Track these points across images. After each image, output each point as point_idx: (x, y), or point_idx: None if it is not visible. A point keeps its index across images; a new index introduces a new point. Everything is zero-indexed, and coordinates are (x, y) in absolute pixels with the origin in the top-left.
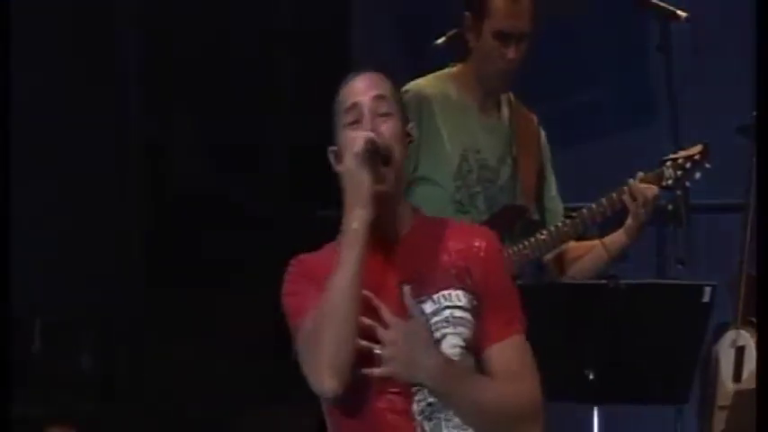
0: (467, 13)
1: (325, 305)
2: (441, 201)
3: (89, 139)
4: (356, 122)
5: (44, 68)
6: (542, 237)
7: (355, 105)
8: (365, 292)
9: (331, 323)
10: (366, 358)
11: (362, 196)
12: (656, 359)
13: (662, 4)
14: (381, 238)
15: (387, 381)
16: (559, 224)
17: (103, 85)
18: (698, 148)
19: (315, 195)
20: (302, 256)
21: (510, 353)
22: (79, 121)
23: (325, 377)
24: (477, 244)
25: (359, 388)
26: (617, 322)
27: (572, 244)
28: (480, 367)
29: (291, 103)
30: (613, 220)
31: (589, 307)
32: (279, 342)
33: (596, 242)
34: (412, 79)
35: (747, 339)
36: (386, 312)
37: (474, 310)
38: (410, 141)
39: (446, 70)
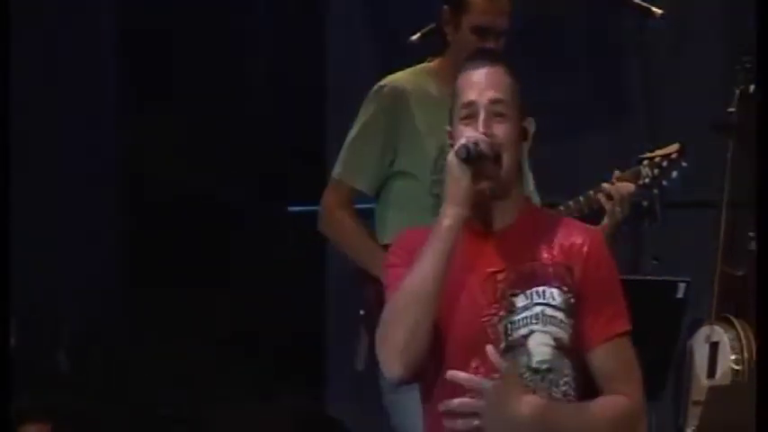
0: (445, 7)
1: (406, 294)
2: (418, 194)
3: (65, 139)
4: (470, 118)
5: (21, 68)
6: None
7: (471, 104)
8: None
9: (407, 314)
10: (450, 351)
11: (460, 195)
12: None
13: (637, 1)
14: (479, 227)
15: (473, 368)
16: None
17: (82, 85)
18: (675, 147)
19: (287, 192)
20: (408, 230)
21: (612, 356)
22: (56, 122)
23: (394, 363)
24: (580, 241)
25: (441, 381)
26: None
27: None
28: (580, 367)
29: (266, 102)
30: (591, 217)
31: None
32: (252, 340)
33: None
34: (388, 74)
35: (721, 335)
36: (474, 381)
37: (569, 310)
38: (525, 138)
39: (423, 65)
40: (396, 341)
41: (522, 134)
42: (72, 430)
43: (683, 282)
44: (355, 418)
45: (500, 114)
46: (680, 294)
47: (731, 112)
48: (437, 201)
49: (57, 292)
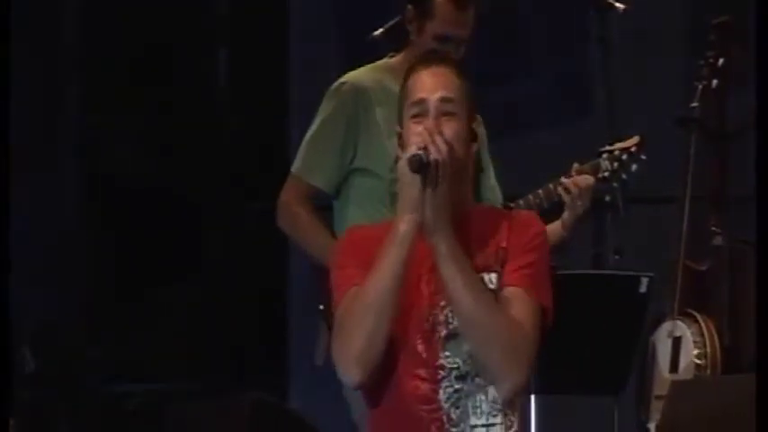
0: (409, 7)
1: (363, 300)
2: (378, 192)
3: (27, 134)
4: (420, 116)
5: None
6: None
7: (422, 101)
8: None
9: (365, 319)
10: (394, 344)
11: (413, 201)
12: (594, 350)
13: None
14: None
15: (415, 366)
16: None
17: (42, 79)
18: (634, 140)
19: (250, 188)
20: (355, 228)
21: (518, 300)
22: (17, 115)
23: (351, 368)
24: (511, 221)
25: (390, 374)
26: (554, 312)
27: None
28: None
29: (226, 97)
30: (552, 210)
31: None
32: (215, 334)
33: None
34: (350, 71)
35: (684, 330)
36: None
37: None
38: (473, 139)
39: (383, 61)
40: (354, 348)
41: (471, 135)
42: (35, 426)
43: (645, 277)
44: (317, 412)
45: (450, 113)
46: (643, 289)
47: (694, 107)
48: (395, 198)
49: (20, 287)
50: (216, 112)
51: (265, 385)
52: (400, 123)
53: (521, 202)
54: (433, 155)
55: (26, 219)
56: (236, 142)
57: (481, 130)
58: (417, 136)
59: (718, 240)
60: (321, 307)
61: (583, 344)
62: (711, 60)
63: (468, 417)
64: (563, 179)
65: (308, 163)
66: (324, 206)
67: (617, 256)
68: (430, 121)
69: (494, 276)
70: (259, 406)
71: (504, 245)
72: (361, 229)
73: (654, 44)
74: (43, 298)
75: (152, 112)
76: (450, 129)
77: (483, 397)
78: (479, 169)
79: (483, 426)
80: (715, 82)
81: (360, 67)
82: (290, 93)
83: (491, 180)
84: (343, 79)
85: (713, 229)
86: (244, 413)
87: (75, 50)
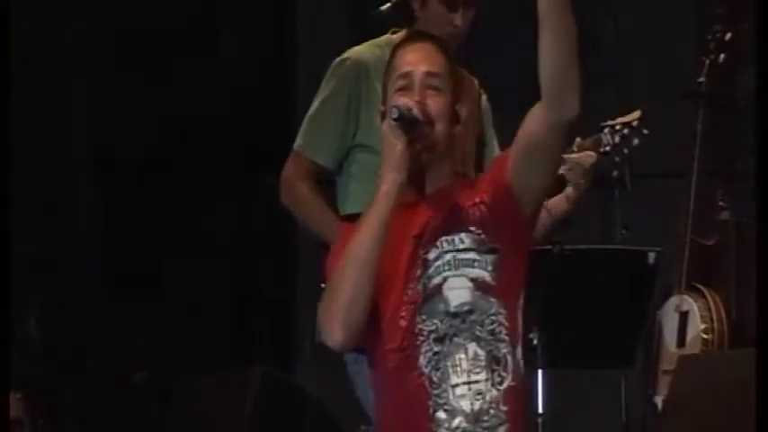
0: None
1: (345, 262)
2: (378, 168)
3: (33, 112)
4: (405, 89)
5: None
6: None
7: (407, 75)
8: None
9: (348, 280)
10: (381, 318)
11: (396, 159)
12: (601, 324)
13: None
14: (411, 197)
15: (399, 338)
16: None
17: (47, 56)
18: (636, 114)
19: (258, 162)
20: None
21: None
22: (23, 92)
23: (335, 330)
24: (480, 178)
25: (377, 348)
26: (562, 287)
27: None
28: (511, 305)
29: (235, 74)
30: (555, 185)
31: (534, 272)
32: (223, 310)
33: None
34: (354, 46)
35: (691, 304)
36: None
37: (483, 246)
38: (456, 121)
39: (386, 37)
40: (336, 307)
41: (455, 117)
42: (43, 400)
43: (653, 251)
44: (322, 388)
45: (435, 88)
46: (650, 264)
47: (701, 82)
48: None
49: (27, 261)
50: (225, 89)
51: (272, 361)
52: (383, 101)
53: None
54: (418, 114)
55: (32, 194)
56: (245, 115)
57: (485, 104)
58: (402, 97)
59: (725, 215)
60: (323, 285)
61: (590, 318)
62: (719, 35)
63: (448, 377)
64: (565, 155)
65: (310, 140)
66: (327, 181)
67: (624, 231)
68: (415, 93)
69: (462, 236)
70: (266, 380)
71: (471, 202)
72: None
73: (661, 18)
74: (49, 272)
75: (161, 89)
76: (435, 103)
77: (462, 356)
78: (482, 144)
79: (465, 383)
80: (722, 56)
81: (365, 41)
82: (297, 65)
83: (494, 154)
84: (345, 55)
85: (720, 203)
86: (251, 387)
87: (81, 24)
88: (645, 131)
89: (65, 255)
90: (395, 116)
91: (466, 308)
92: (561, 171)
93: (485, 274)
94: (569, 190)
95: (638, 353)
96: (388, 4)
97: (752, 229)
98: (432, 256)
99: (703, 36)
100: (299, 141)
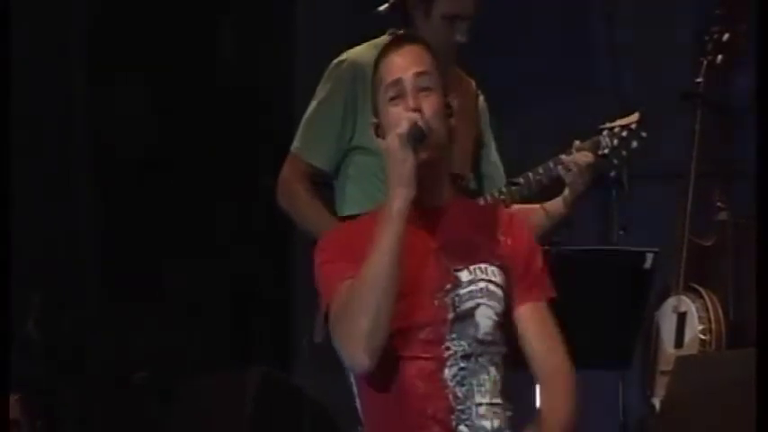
0: None
1: (364, 281)
2: (376, 170)
3: (33, 112)
4: (398, 98)
5: None
6: None
7: (398, 82)
8: None
9: (370, 305)
10: (397, 326)
11: (406, 176)
12: (599, 325)
13: None
14: (424, 204)
15: (419, 347)
16: (495, 192)
17: (47, 54)
18: (634, 116)
19: (258, 165)
20: (340, 225)
21: (540, 315)
22: (23, 91)
23: (358, 352)
24: (512, 226)
25: (390, 357)
26: (560, 288)
27: (514, 209)
28: (507, 339)
29: (234, 74)
30: (552, 188)
31: None
32: (221, 310)
33: (537, 207)
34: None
35: (689, 305)
36: None
37: (505, 287)
38: (450, 114)
39: (383, 38)
40: (360, 332)
41: (448, 110)
42: (41, 401)
43: (651, 252)
44: (321, 389)
45: (426, 88)
46: (648, 265)
47: (699, 83)
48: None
49: (27, 261)
50: (223, 89)
51: (271, 361)
52: (375, 113)
53: (521, 179)
54: (424, 126)
55: (31, 191)
56: (242, 118)
57: (483, 105)
58: (402, 117)
59: (723, 215)
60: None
61: (587, 319)
62: (716, 35)
63: (473, 395)
64: (563, 157)
65: (307, 142)
66: (325, 183)
67: (622, 232)
68: (409, 99)
69: (495, 270)
70: (265, 380)
71: (502, 242)
72: (346, 225)
73: (657, 19)
74: (49, 272)
75: (160, 88)
76: (429, 104)
77: (486, 377)
78: (480, 144)
79: (488, 404)
80: (720, 57)
81: (363, 42)
82: (295, 66)
83: (492, 155)
84: (342, 57)
85: (718, 204)
86: (250, 387)
87: (81, 23)
88: (643, 134)
89: (65, 255)
90: (418, 138)
91: (489, 338)
92: (559, 172)
93: (502, 312)
94: (567, 192)
95: (635, 354)
96: (386, 5)
97: (750, 229)
98: (464, 277)
99: (701, 37)
100: (295, 143)
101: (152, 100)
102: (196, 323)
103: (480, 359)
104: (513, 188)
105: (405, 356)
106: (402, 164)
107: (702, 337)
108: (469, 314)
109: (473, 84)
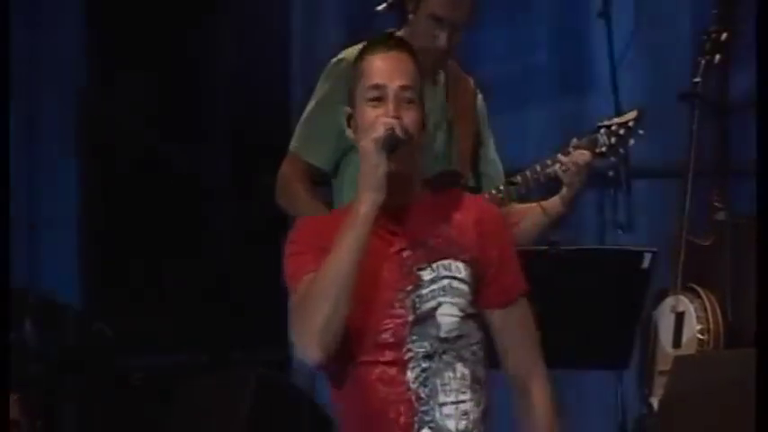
0: None
1: (322, 278)
2: None
3: (33, 112)
4: (378, 100)
5: None
6: None
7: (381, 87)
8: None
9: (326, 300)
10: (358, 330)
11: (377, 180)
12: (597, 324)
13: None
14: (390, 207)
15: (380, 351)
16: (493, 191)
17: (49, 55)
18: (632, 114)
19: (258, 163)
20: (308, 218)
21: (512, 319)
22: (23, 90)
23: (311, 347)
24: (475, 215)
25: (352, 362)
26: (558, 288)
27: (513, 208)
28: (484, 326)
29: (233, 72)
30: (550, 185)
31: (530, 273)
32: (219, 310)
33: (535, 205)
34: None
35: (687, 305)
36: None
37: (473, 282)
38: (423, 127)
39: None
40: (314, 327)
41: (424, 122)
42: (41, 401)
43: (648, 252)
44: (319, 389)
45: (409, 101)
46: (645, 264)
47: (697, 83)
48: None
49: (24, 259)
50: (224, 87)
51: (270, 361)
52: (351, 103)
53: (519, 177)
54: (401, 134)
55: (29, 190)
56: (242, 115)
57: (481, 104)
58: (379, 121)
59: (721, 215)
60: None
61: (586, 319)
62: (714, 35)
63: (436, 394)
64: (560, 156)
65: (306, 141)
66: (324, 182)
67: (620, 231)
68: (390, 107)
69: (460, 265)
70: (264, 380)
71: (464, 235)
72: (315, 219)
73: (656, 18)
74: (47, 271)
75: (159, 88)
76: (409, 117)
77: (451, 374)
78: (479, 143)
79: (452, 403)
80: (718, 57)
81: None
82: (291, 66)
83: (491, 154)
84: (340, 56)
85: (716, 203)
86: (249, 387)
87: (79, 21)
88: (641, 132)
89: (60, 253)
90: (391, 145)
91: (455, 333)
92: (556, 171)
93: (470, 305)
94: (564, 190)
95: (633, 353)
96: (384, 5)
97: (748, 229)
98: (426, 276)
99: (699, 36)
100: (294, 143)
101: (151, 100)
102: (196, 323)
103: (445, 357)
104: (511, 187)
105: (366, 361)
106: (374, 169)
107: (700, 336)
108: (430, 315)
109: (471, 82)
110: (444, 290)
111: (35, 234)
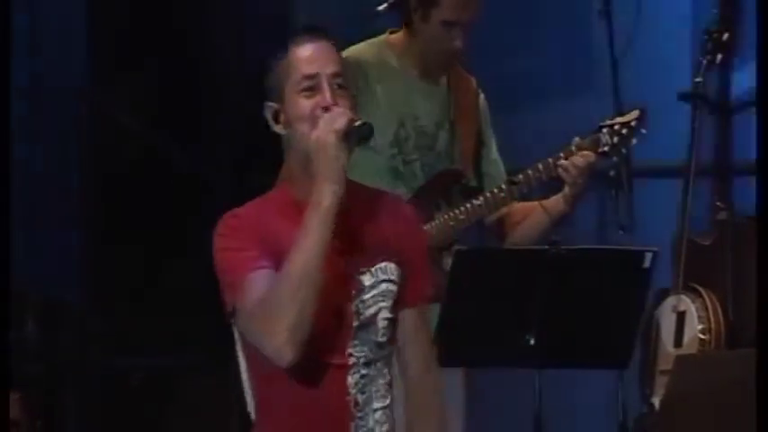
0: None
1: (291, 275)
2: (377, 168)
3: (32, 105)
4: (310, 91)
5: None
6: (477, 203)
7: (314, 76)
8: None
9: (294, 296)
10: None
11: (338, 172)
12: (598, 324)
13: None
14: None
15: (323, 354)
16: (495, 190)
17: (48, 49)
18: (634, 113)
19: (253, 162)
20: (237, 211)
21: (419, 321)
22: (22, 86)
23: (285, 346)
24: (402, 215)
25: (296, 364)
26: (558, 287)
27: (514, 207)
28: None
29: (232, 70)
30: (552, 184)
31: (531, 272)
32: (220, 309)
33: (536, 204)
34: (352, 45)
35: (688, 304)
36: None
37: (401, 285)
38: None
39: (383, 36)
40: (285, 326)
41: (355, 110)
42: (42, 400)
43: (650, 251)
44: None
45: (341, 87)
46: (646, 264)
47: (698, 82)
48: (396, 174)
49: (24, 259)
50: (222, 85)
51: None
52: (276, 99)
53: (520, 176)
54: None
55: (28, 190)
56: (241, 115)
57: (483, 103)
58: (335, 111)
59: (722, 215)
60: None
61: (586, 318)
62: (716, 35)
63: (371, 401)
64: (562, 155)
65: None
66: None
67: (621, 231)
68: (327, 94)
69: (393, 267)
70: None
71: (391, 235)
72: (243, 212)
73: (657, 18)
74: (47, 272)
75: (157, 85)
76: (344, 103)
77: (382, 381)
78: (480, 143)
79: (381, 408)
80: (719, 56)
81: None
82: None
83: (492, 153)
84: (343, 54)
85: (717, 203)
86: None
87: (80, 21)
88: (643, 131)
89: (64, 254)
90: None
91: (385, 338)
92: (558, 170)
93: (393, 307)
94: (566, 190)
95: (634, 353)
96: (385, 5)
97: (749, 228)
98: (367, 282)
99: (701, 36)
100: None
101: (151, 100)
102: (196, 323)
103: (378, 364)
104: (513, 186)
105: (314, 360)
106: (335, 160)
107: (702, 336)
108: (372, 321)
109: (474, 82)
110: (383, 294)
111: (35, 234)
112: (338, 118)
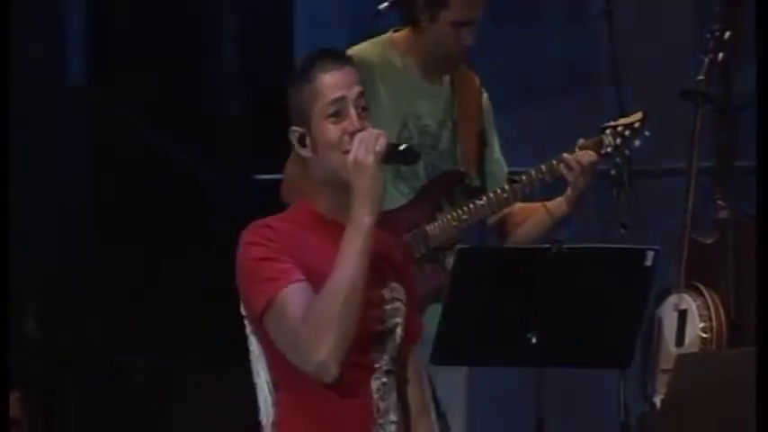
0: None
1: (337, 292)
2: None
3: (32, 103)
4: (338, 115)
5: None
6: (480, 203)
7: (341, 99)
8: None
9: (343, 314)
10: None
11: (378, 191)
12: (600, 323)
13: None
14: (334, 220)
15: (352, 354)
16: (498, 190)
17: (47, 49)
18: (638, 115)
19: (251, 160)
20: (270, 222)
21: (418, 361)
22: (23, 86)
23: (330, 363)
24: (399, 245)
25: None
26: (560, 286)
27: (516, 207)
28: None
29: (232, 69)
30: (555, 186)
31: (533, 271)
32: (221, 308)
33: (539, 205)
34: (354, 44)
35: (690, 303)
36: None
37: (407, 309)
38: None
39: (387, 35)
40: (333, 339)
41: None
42: (42, 399)
43: (651, 250)
44: None
45: (364, 109)
46: (648, 263)
47: (700, 81)
48: (398, 174)
49: (25, 259)
50: (221, 85)
51: None
52: (302, 123)
53: (523, 177)
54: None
55: (30, 189)
56: (240, 113)
57: (487, 103)
58: (372, 134)
59: (723, 213)
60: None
61: (588, 317)
62: (718, 33)
63: (389, 411)
64: (565, 156)
65: None
66: None
67: (623, 230)
68: (354, 119)
69: (402, 289)
70: None
71: (398, 259)
72: (275, 224)
73: (658, 17)
74: (48, 270)
75: (158, 85)
76: (368, 125)
77: (396, 396)
78: (483, 143)
79: (395, 423)
80: (721, 55)
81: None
82: (292, 66)
83: (495, 153)
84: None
85: (719, 202)
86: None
87: (80, 20)
88: (647, 133)
89: (64, 254)
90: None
91: (399, 354)
92: (561, 171)
93: None
94: (569, 191)
95: (636, 352)
96: (386, 4)
97: (751, 227)
98: (387, 295)
99: (702, 35)
100: None
101: (152, 100)
102: (196, 323)
103: (393, 377)
104: (516, 186)
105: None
106: (375, 180)
107: (703, 335)
108: (392, 330)
109: (477, 81)
110: (398, 312)
111: (35, 234)
112: (377, 139)
